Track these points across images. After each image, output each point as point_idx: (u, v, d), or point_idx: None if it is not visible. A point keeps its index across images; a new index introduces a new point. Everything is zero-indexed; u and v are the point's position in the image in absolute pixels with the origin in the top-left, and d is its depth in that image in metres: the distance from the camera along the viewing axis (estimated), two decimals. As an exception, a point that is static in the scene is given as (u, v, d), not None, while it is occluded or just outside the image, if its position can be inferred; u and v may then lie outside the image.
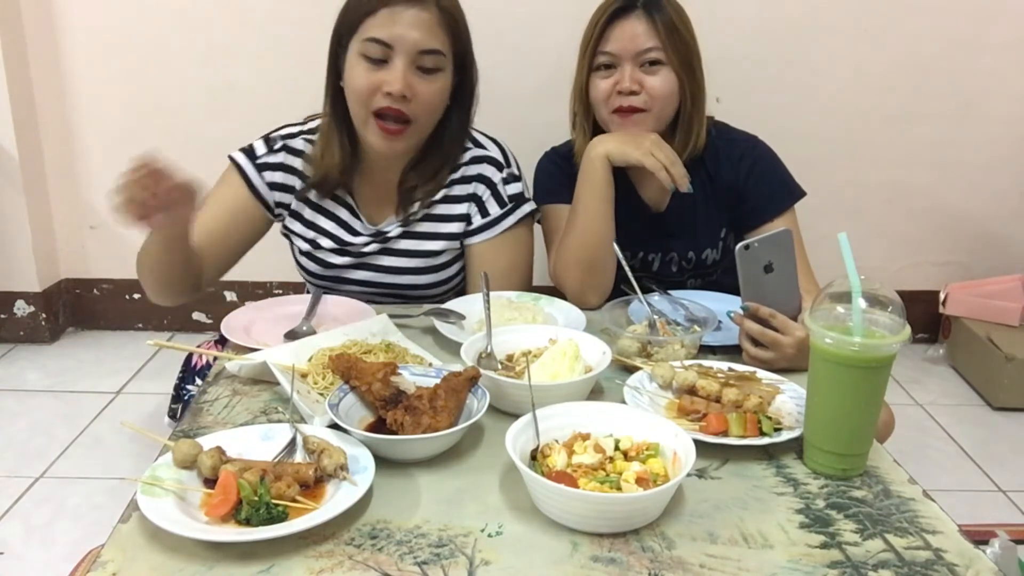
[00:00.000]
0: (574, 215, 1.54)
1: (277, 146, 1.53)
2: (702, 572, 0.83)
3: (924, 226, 2.87)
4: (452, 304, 1.45)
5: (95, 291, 2.91)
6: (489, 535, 0.87)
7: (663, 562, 0.84)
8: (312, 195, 1.54)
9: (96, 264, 2.88)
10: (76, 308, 2.93)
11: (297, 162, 1.53)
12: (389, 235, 1.52)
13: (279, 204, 1.55)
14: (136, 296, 2.91)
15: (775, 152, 1.63)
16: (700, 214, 1.63)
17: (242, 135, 2.66)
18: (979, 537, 1.24)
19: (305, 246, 1.54)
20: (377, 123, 1.39)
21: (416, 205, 1.51)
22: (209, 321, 2.90)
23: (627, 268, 1.42)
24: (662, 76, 1.49)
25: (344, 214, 1.53)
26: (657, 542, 0.87)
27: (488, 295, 1.32)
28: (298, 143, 1.54)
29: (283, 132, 1.56)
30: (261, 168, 1.52)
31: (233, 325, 1.35)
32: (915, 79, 2.67)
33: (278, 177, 1.53)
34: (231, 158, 1.54)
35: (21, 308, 2.79)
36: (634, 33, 1.46)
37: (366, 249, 1.52)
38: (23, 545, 1.84)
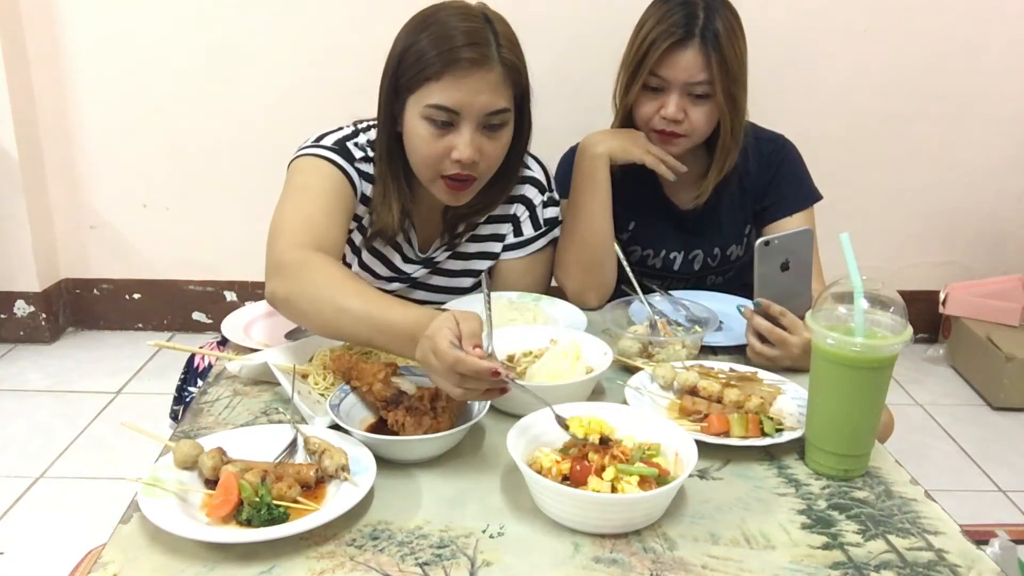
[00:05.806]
0: (573, 215, 1.54)
1: (361, 155, 1.40)
2: (704, 573, 0.83)
3: (924, 226, 2.87)
4: (452, 305, 1.44)
5: (95, 291, 2.91)
6: (491, 536, 0.87)
7: (665, 563, 0.84)
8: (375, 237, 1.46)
9: (96, 264, 2.88)
10: (76, 308, 2.93)
11: (368, 188, 1.43)
12: (436, 259, 1.51)
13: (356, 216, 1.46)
14: (136, 296, 2.91)
15: (799, 153, 1.63)
16: (726, 210, 1.62)
17: (242, 135, 2.71)
18: (979, 537, 1.24)
19: (361, 271, 1.50)
20: (444, 182, 1.35)
21: (462, 227, 1.50)
22: (209, 321, 2.90)
23: (628, 268, 1.42)
24: (707, 108, 1.47)
25: (401, 240, 1.49)
26: (659, 543, 0.87)
27: (489, 295, 1.31)
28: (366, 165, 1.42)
29: (354, 140, 1.41)
30: (361, 175, 1.41)
31: (233, 325, 1.35)
32: (915, 79, 2.67)
33: (368, 189, 1.43)
34: (331, 160, 1.37)
35: (21, 308, 2.79)
36: (688, 64, 1.44)
37: (415, 275, 1.51)
38: (23, 545, 1.84)
